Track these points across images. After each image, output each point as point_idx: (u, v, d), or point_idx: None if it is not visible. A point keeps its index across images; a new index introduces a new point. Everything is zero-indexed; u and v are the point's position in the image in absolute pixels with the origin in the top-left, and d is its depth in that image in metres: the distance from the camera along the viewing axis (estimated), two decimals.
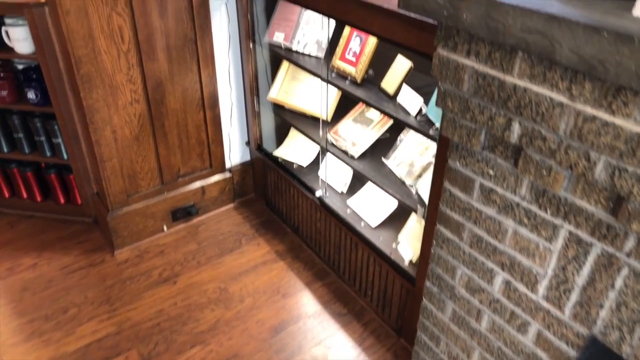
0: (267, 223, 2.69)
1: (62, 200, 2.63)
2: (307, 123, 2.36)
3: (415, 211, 1.83)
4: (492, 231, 1.24)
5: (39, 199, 2.64)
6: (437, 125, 1.63)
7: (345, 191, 2.29)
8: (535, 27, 0.85)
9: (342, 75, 2.04)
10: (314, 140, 2.29)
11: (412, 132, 1.96)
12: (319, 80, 2.12)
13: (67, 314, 2.13)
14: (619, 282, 0.99)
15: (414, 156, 1.96)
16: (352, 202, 2.22)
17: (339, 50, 2.05)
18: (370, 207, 2.16)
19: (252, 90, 2.52)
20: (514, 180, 1.13)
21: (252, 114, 2.59)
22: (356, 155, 2.09)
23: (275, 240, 2.57)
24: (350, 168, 2.14)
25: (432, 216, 1.58)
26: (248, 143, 2.74)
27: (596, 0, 0.91)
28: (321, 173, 2.35)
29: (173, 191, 2.54)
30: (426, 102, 1.72)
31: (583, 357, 1.12)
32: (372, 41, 1.94)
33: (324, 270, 2.39)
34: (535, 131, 0.98)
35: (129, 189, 2.40)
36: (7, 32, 2.16)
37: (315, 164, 2.46)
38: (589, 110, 0.87)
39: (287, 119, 2.43)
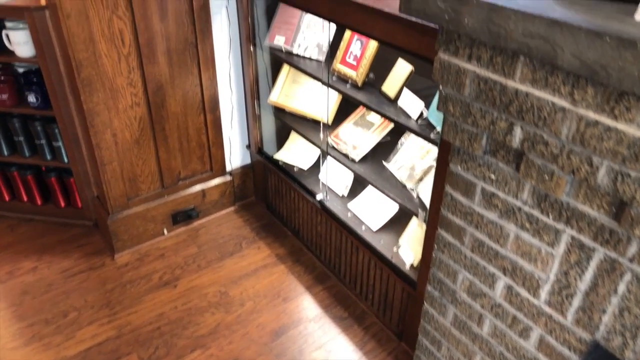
0: (268, 226, 2.69)
1: (62, 204, 2.62)
2: (308, 126, 2.36)
3: (416, 215, 1.82)
4: (494, 236, 1.23)
5: (39, 202, 2.64)
6: (438, 129, 1.62)
7: (346, 194, 2.29)
8: (537, 31, 0.85)
9: (343, 79, 2.04)
10: (314, 144, 2.29)
11: (413, 135, 1.95)
12: (319, 83, 2.12)
13: (67, 318, 2.13)
14: (621, 288, 0.99)
15: (414, 160, 1.96)
16: (353, 205, 2.22)
17: (339, 53, 2.05)
18: (371, 210, 2.15)
19: (253, 93, 2.52)
20: (516, 185, 1.13)
21: (252, 117, 2.59)
22: (357, 159, 2.09)
23: (276, 243, 2.57)
24: (351, 171, 2.13)
25: (434, 220, 1.57)
26: (249, 146, 2.74)
27: (598, 4, 0.90)
28: (322, 176, 2.35)
29: (173, 194, 2.54)
30: (427, 105, 1.71)
31: None
32: (372, 45, 1.94)
33: (324, 273, 2.39)
34: (537, 136, 0.98)
35: (129, 192, 2.39)
36: (7, 36, 2.16)
37: (316, 167, 2.46)
38: (592, 115, 0.87)
39: (288, 122, 2.43)
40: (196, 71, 2.33)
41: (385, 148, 2.09)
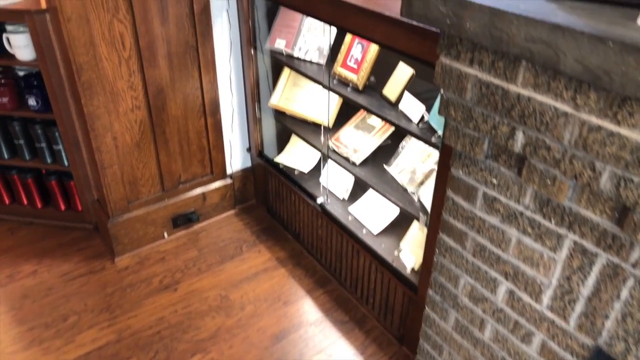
0: (268, 230, 2.68)
1: (62, 207, 2.62)
2: (309, 129, 2.36)
3: (418, 219, 1.82)
4: (496, 240, 1.23)
5: (39, 205, 2.64)
6: (440, 132, 1.62)
7: (346, 198, 2.29)
8: (540, 36, 0.85)
9: (344, 82, 2.03)
10: (315, 147, 2.29)
11: (414, 139, 1.95)
12: (320, 86, 2.12)
13: (67, 322, 2.12)
14: (624, 293, 0.98)
15: (415, 163, 1.96)
16: (354, 209, 2.21)
17: (340, 57, 2.05)
18: (372, 214, 2.15)
19: (253, 96, 2.51)
20: (518, 190, 1.12)
21: (253, 120, 2.59)
22: (358, 162, 2.09)
23: (277, 247, 2.56)
24: (351, 175, 2.13)
25: (435, 224, 1.57)
26: (249, 149, 2.74)
27: (600, 9, 0.90)
28: (322, 180, 2.34)
29: (174, 198, 2.54)
30: (428, 108, 1.71)
31: None
32: (373, 48, 1.93)
33: (325, 277, 2.38)
34: (540, 140, 0.98)
35: (129, 196, 2.39)
36: (8, 39, 2.16)
37: (317, 170, 2.45)
38: (594, 120, 0.86)
39: (288, 126, 2.43)
40: (197, 74, 2.33)
41: (386, 151, 2.08)
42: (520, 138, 1.01)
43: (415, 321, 1.86)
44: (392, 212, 2.09)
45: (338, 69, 2.04)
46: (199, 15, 2.20)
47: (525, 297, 1.20)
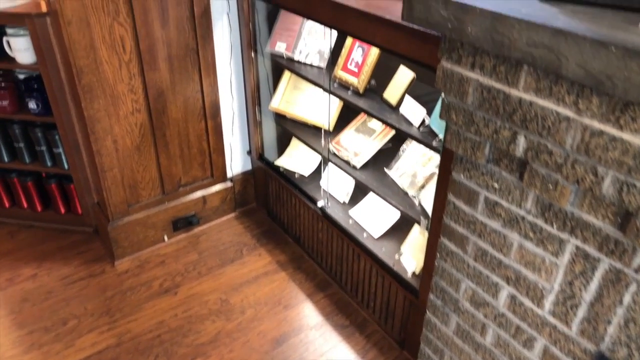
0: (269, 233, 2.68)
1: (62, 210, 2.61)
2: (309, 133, 2.35)
3: (418, 222, 1.81)
4: (497, 245, 1.22)
5: (39, 208, 2.63)
6: (440, 136, 1.62)
7: (347, 201, 2.28)
8: (542, 41, 0.85)
9: (344, 86, 2.03)
10: (315, 150, 2.28)
11: (414, 142, 1.95)
12: (320, 90, 2.11)
13: (67, 326, 2.11)
14: (627, 299, 0.98)
15: (416, 167, 1.95)
16: (354, 212, 2.21)
17: (341, 60, 2.05)
18: (373, 217, 2.14)
19: (254, 99, 2.51)
20: (519, 194, 1.12)
21: (253, 124, 2.59)
22: (358, 166, 2.08)
23: (277, 250, 2.56)
24: (352, 178, 2.13)
25: (436, 228, 1.56)
26: (249, 152, 2.73)
27: (602, 13, 0.90)
28: (323, 183, 2.34)
29: (174, 201, 2.53)
30: (429, 112, 1.71)
31: None
32: (374, 51, 1.93)
33: (325, 281, 2.37)
34: (541, 145, 0.97)
35: (129, 199, 2.39)
36: (8, 42, 2.16)
37: (317, 173, 2.45)
38: (596, 124, 0.86)
39: (289, 129, 2.42)
40: (197, 77, 2.33)
41: (387, 155, 2.08)
42: (521, 142, 1.01)
43: (416, 325, 1.85)
44: (392, 215, 2.08)
45: (339, 72, 2.04)
46: (200, 18, 2.20)
47: (527, 302, 1.20)
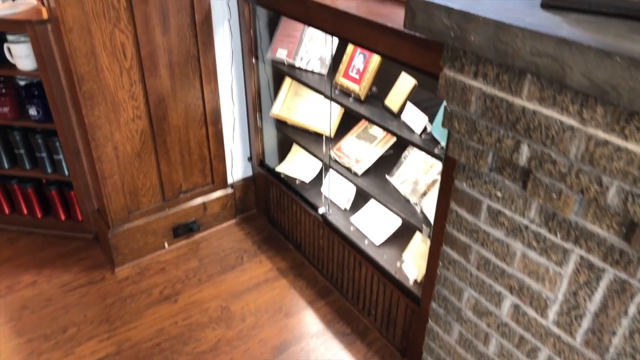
0: (269, 239, 2.67)
1: (62, 217, 2.61)
2: (310, 139, 2.35)
3: (420, 230, 1.80)
4: (500, 254, 1.21)
5: (39, 215, 2.62)
6: (442, 144, 1.61)
7: (348, 208, 2.27)
8: (545, 50, 0.84)
9: (346, 92, 2.03)
10: (316, 157, 2.28)
11: (416, 149, 1.94)
12: (322, 96, 2.11)
13: (67, 334, 2.10)
14: (632, 309, 0.97)
15: (418, 174, 1.94)
16: (356, 219, 2.20)
17: (342, 67, 2.04)
18: (374, 224, 2.13)
19: (255, 106, 2.51)
20: (523, 203, 1.11)
21: (254, 130, 2.58)
22: (359, 172, 2.08)
23: (278, 257, 2.55)
24: (353, 185, 2.12)
25: (438, 237, 1.55)
26: (250, 159, 2.73)
27: (607, 22, 0.89)
28: (324, 189, 2.33)
29: (174, 207, 2.52)
30: (430, 118, 1.70)
31: None
32: (375, 58, 1.93)
33: (327, 288, 2.36)
34: (545, 154, 0.96)
35: (130, 206, 2.38)
36: (9, 49, 2.16)
37: (318, 180, 2.44)
38: (601, 134, 0.85)
39: (290, 135, 2.42)
40: (198, 84, 2.33)
41: (388, 161, 2.07)
42: (525, 151, 1.00)
43: (418, 334, 1.84)
44: (394, 222, 2.07)
45: (340, 79, 2.04)
46: (201, 25, 2.20)
47: (531, 312, 1.19)
